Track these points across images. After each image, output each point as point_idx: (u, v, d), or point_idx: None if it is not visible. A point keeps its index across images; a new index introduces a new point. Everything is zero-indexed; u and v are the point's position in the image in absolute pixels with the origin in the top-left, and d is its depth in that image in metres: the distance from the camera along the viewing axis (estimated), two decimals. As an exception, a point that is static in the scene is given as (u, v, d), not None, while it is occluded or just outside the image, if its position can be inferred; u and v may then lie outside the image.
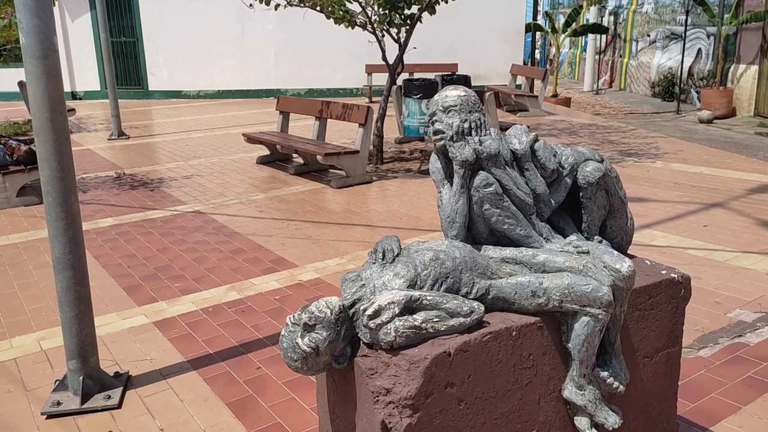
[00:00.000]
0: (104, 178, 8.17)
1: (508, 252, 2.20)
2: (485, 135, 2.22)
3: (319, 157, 7.55)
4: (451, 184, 2.23)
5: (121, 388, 3.29)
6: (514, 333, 2.04)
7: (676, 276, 2.44)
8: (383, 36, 8.73)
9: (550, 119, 12.04)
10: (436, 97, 2.26)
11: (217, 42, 16.28)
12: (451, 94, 2.22)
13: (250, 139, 8.82)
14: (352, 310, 1.97)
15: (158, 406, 3.18)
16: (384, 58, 8.79)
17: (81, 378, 3.20)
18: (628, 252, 2.65)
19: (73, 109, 12.35)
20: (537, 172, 2.35)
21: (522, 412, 2.10)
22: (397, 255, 2.10)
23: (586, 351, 2.09)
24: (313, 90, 16.67)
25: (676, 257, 4.86)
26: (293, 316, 1.94)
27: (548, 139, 10.15)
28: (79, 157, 9.52)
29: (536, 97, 12.53)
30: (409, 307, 1.92)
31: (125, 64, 16.77)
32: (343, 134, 10.29)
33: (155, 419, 3.07)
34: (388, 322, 1.87)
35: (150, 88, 16.77)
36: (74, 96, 16.69)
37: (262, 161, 8.93)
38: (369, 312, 1.88)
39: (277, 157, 8.97)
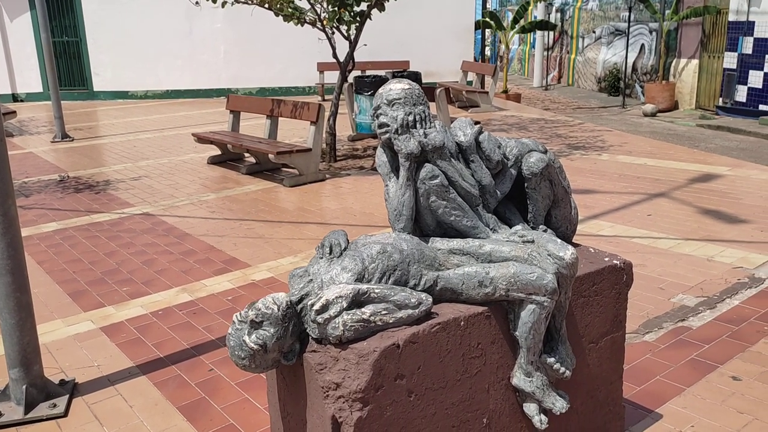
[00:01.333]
0: (47, 182, 7.91)
1: (456, 243, 2.22)
2: (430, 127, 2.23)
3: (271, 156, 7.48)
4: (398, 177, 2.23)
5: (67, 396, 3.19)
6: (463, 323, 2.06)
7: (618, 262, 2.51)
8: (333, 33, 8.70)
9: (501, 114, 12.22)
10: (380, 90, 2.26)
11: (164, 41, 15.95)
12: (395, 87, 2.23)
13: (201, 139, 8.67)
14: (300, 306, 1.96)
15: (106, 412, 3.09)
16: (334, 55, 8.76)
17: (24, 387, 3.09)
18: (573, 240, 2.71)
19: (14, 112, 11.91)
20: (482, 163, 2.38)
21: (472, 400, 2.12)
22: (345, 249, 2.09)
23: (532, 338, 2.13)
24: (265, 89, 16.50)
25: (622, 246, 5.00)
26: (240, 314, 1.91)
27: (499, 134, 10.30)
28: (21, 161, 9.19)
29: (487, 93, 12.69)
30: (357, 301, 1.91)
31: (68, 65, 16.27)
32: (296, 133, 10.22)
33: (103, 426, 2.99)
34: (336, 316, 1.87)
35: (95, 89, 16.31)
36: (15, 98, 16.09)
37: (214, 161, 8.79)
38: (317, 307, 1.87)
39: (229, 157, 8.85)
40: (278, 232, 5.75)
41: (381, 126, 2.21)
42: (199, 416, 3.03)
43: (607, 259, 2.52)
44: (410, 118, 2.18)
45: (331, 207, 6.63)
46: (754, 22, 11.85)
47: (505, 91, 15.54)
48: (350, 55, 8.68)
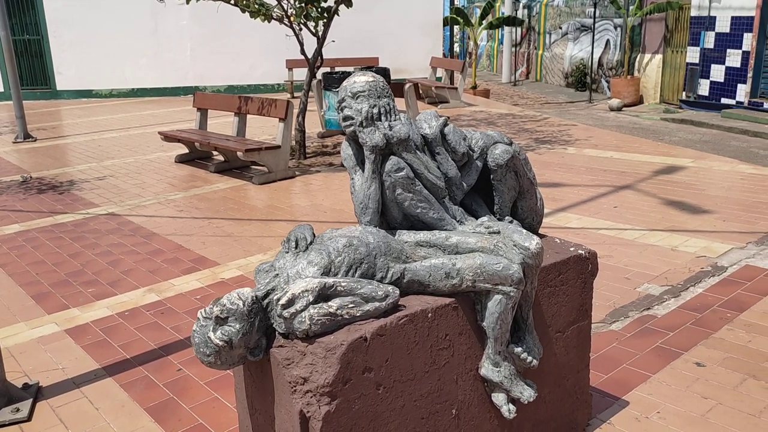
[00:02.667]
0: (9, 183, 7.71)
1: (422, 235, 2.22)
2: (395, 120, 2.23)
3: (239, 154, 7.40)
4: (363, 171, 2.23)
5: (31, 399, 3.11)
6: (430, 315, 2.06)
7: (583, 252, 2.54)
8: (300, 30, 8.65)
9: (470, 110, 12.29)
10: (344, 83, 2.25)
11: (129, 38, 15.66)
12: (359, 80, 2.22)
13: (167, 137, 8.54)
14: (266, 301, 1.94)
15: (71, 416, 3.03)
16: (302, 52, 8.71)
17: (-16, 392, 3.01)
18: (540, 231, 2.74)
19: (-27, 112, 11.58)
20: (448, 156, 2.38)
21: (441, 392, 2.13)
22: (311, 243, 2.08)
23: (500, 328, 2.14)
24: (233, 86, 16.32)
25: (589, 237, 5.06)
26: (205, 310, 1.89)
27: (467, 128, 10.36)
28: (-20, 162, 8.95)
29: (456, 88, 12.75)
30: (324, 295, 1.90)
31: (30, 64, 15.87)
32: (265, 130, 10.13)
33: (68, 429, 2.92)
34: (302, 310, 1.85)
35: (58, 88, 15.94)
36: (-26, 98, 15.64)
37: (181, 160, 8.67)
38: (282, 301, 1.85)
39: (197, 156, 8.73)
40: (248, 230, 5.70)
41: (345, 119, 2.19)
42: (168, 417, 2.99)
43: (572, 249, 2.55)
44: (375, 110, 2.18)
45: (301, 204, 6.59)
46: (715, 17, 12.11)
47: (474, 87, 15.63)
48: (318, 52, 8.64)
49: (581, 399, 2.69)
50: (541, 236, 2.69)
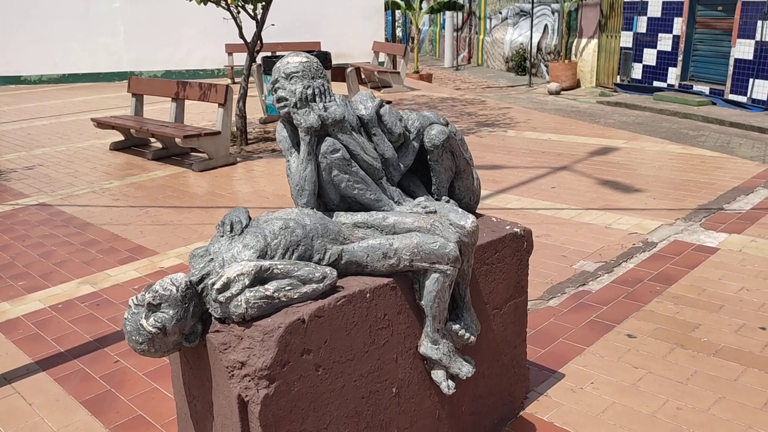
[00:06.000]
0: (-71, 174, 7.30)
1: (360, 217, 2.23)
2: (330, 101, 2.22)
3: (177, 140, 7.23)
4: (299, 152, 2.21)
5: (-43, 398, 2.98)
6: (368, 295, 2.07)
7: (518, 230, 2.60)
8: (239, 13, 8.46)
9: (413, 94, 12.33)
10: (278, 64, 2.22)
11: (58, 21, 14.99)
12: (293, 60, 2.19)
13: (101, 124, 8.24)
14: (201, 286, 1.90)
15: (3, 412, 2.92)
16: (241, 35, 8.53)
17: None
18: (477, 211, 2.78)
19: None
20: (384, 137, 2.38)
21: (381, 371, 2.15)
22: (246, 227, 2.05)
23: (437, 306, 2.17)
24: (171, 72, 15.87)
25: (528, 218, 5.18)
26: (137, 297, 1.84)
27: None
28: None
29: (398, 73, 12.76)
30: (260, 278, 1.88)
31: (-50, 48, 15.00)
32: (205, 116, 9.90)
33: (0, 426, 2.82)
34: (238, 294, 1.83)
35: (-18, 74, 15.14)
36: None
37: (116, 147, 8.39)
38: (217, 286, 1.83)
39: (133, 143, 8.47)
40: (187, 218, 5.58)
41: (279, 100, 2.17)
42: (105, 409, 2.92)
43: (508, 227, 2.61)
44: (309, 91, 2.16)
45: (243, 190, 6.49)
46: (647, 2, 12.50)
47: (417, 72, 15.69)
48: (258, 36, 8.48)
49: (519, 373, 2.76)
50: (479, 215, 2.73)
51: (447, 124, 2.62)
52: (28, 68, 15.25)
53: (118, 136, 8.52)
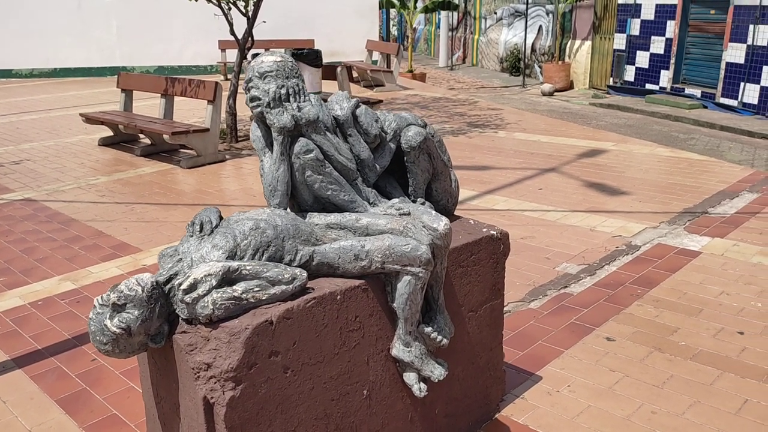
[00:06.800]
0: None
1: (333, 218, 2.22)
2: (304, 101, 2.20)
3: (166, 137, 7.19)
4: (273, 152, 2.19)
5: (-70, 395, 2.96)
6: (339, 297, 2.06)
7: (495, 233, 2.59)
8: (230, 9, 8.44)
9: (405, 93, 12.32)
10: (252, 63, 2.21)
11: (51, 15, 14.90)
12: (267, 59, 2.17)
13: (89, 119, 8.20)
14: (169, 286, 1.89)
15: (-25, 410, 2.89)
16: (232, 32, 8.51)
17: None
18: (455, 213, 2.78)
19: None
20: (360, 137, 2.37)
21: (351, 373, 2.14)
22: (216, 227, 2.04)
23: (409, 309, 2.16)
24: (164, 67, 15.80)
25: (514, 219, 5.18)
26: (102, 297, 1.82)
27: (401, 112, 10.39)
28: None
29: (391, 72, 12.74)
30: (228, 279, 1.87)
31: (-60, 40, 14.89)
32: (195, 113, 9.87)
33: (-28, 425, 2.79)
34: (204, 295, 1.82)
35: (-27, 67, 15.05)
36: None
37: (105, 143, 8.36)
38: (184, 286, 1.81)
39: (122, 139, 8.43)
40: (173, 215, 5.55)
41: (252, 99, 2.15)
42: (79, 408, 2.90)
43: (485, 230, 2.60)
44: (282, 91, 2.14)
45: (230, 188, 6.47)
46: (641, 5, 12.52)
47: (411, 71, 15.67)
48: (249, 32, 8.45)
49: (495, 375, 2.75)
50: (456, 218, 2.72)
51: (425, 126, 2.61)
52: (19, 62, 15.16)
53: (107, 132, 8.48)
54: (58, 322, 3.68)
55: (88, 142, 8.48)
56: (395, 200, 2.37)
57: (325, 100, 2.40)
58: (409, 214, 2.24)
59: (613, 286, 3.96)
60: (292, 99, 2.17)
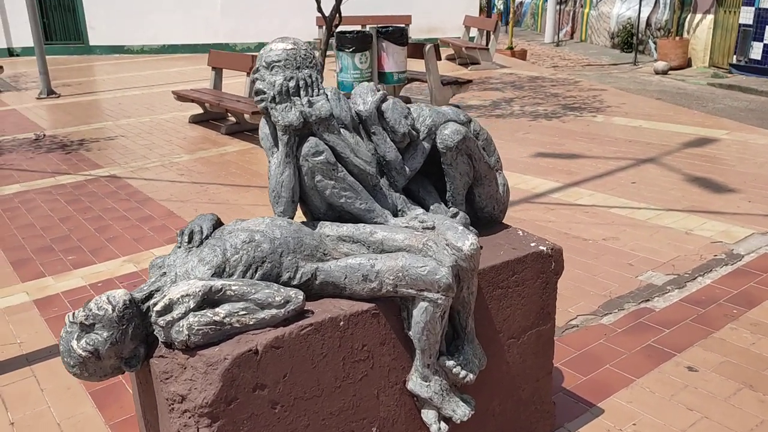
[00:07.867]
0: (22, 141, 7.71)
1: (345, 229, 1.95)
2: (318, 95, 1.93)
3: (246, 116, 7.18)
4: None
5: (-23, 377, 3.01)
6: (342, 323, 1.80)
7: (545, 249, 2.22)
8: (318, -15, 8.27)
9: (499, 72, 11.72)
10: (261, 51, 1.96)
11: (160, -7, 15.49)
12: (276, 47, 1.92)
13: (180, 97, 8.37)
14: (149, 304, 1.71)
15: (15, 396, 2.91)
16: (319, 9, 8.35)
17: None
18: (504, 222, 2.43)
19: (1, 67, 11.67)
20: (386, 136, 2.08)
21: (357, 408, 1.88)
22: (206, 237, 1.83)
23: (426, 339, 1.87)
24: (264, 44, 16.00)
25: (597, 216, 4.68)
26: (73, 314, 1.67)
27: (492, 93, 9.86)
28: (1, 118, 9.00)
29: (487, 49, 12.16)
30: (211, 300, 1.66)
31: (63, 18, 15.91)
32: (284, 90, 9.85)
33: (8, 412, 2.81)
34: (179, 318, 1.62)
35: (91, 43, 15.98)
36: (11, 52, 15.83)
37: (195, 120, 8.51)
38: (158, 308, 1.62)
39: (211, 116, 8.56)
40: (244, 197, 5.50)
41: (257, 93, 1.91)
42: (111, 402, 2.84)
43: (533, 244, 2.24)
44: (291, 83, 1.88)
45: (305, 170, 6.35)
46: (773, -27, 11.12)
47: (511, 48, 14.93)
48: (336, 9, 8.25)
49: (541, 409, 2.40)
50: (504, 227, 2.38)
51: (470, 121, 2.27)
52: (130, 38, 15.91)
53: (198, 109, 8.64)
54: (110, 307, 3.68)
55: (179, 119, 8.68)
56: (419, 211, 2.06)
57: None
58: (434, 228, 1.93)
59: (704, 304, 3.43)
60: (302, 92, 1.90)
